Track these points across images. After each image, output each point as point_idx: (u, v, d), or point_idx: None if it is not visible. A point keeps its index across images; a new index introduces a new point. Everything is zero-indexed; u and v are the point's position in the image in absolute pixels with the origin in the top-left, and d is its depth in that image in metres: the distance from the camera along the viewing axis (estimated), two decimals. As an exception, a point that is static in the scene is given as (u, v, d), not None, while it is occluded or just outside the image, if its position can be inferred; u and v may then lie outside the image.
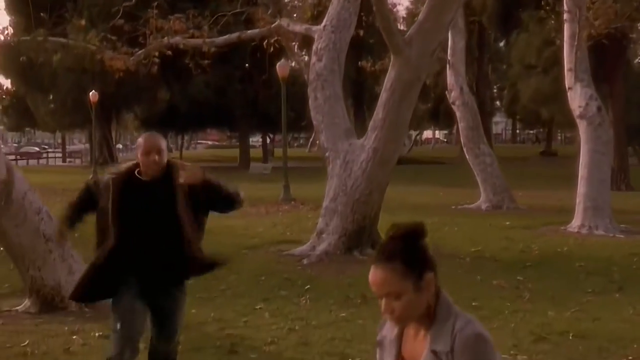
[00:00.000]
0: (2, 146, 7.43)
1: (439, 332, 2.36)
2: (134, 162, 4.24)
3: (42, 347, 6.01)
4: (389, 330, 2.55)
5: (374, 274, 2.38)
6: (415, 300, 2.36)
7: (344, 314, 7.05)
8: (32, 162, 48.69)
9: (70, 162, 53.82)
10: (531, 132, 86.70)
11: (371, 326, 6.54)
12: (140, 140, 4.31)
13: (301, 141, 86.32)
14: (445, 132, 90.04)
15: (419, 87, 10.43)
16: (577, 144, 14.95)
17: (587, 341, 6.07)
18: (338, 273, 9.25)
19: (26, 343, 6.08)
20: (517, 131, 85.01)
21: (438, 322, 2.37)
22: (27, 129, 58.92)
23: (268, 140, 55.60)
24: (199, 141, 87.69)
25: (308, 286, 8.35)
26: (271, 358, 5.77)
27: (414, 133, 67.13)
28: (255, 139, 64.08)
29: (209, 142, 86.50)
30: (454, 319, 2.36)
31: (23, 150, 61.85)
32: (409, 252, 2.36)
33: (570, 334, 6.25)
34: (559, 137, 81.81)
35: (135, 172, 4.17)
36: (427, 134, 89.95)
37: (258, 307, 7.36)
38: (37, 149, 64.46)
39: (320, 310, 7.23)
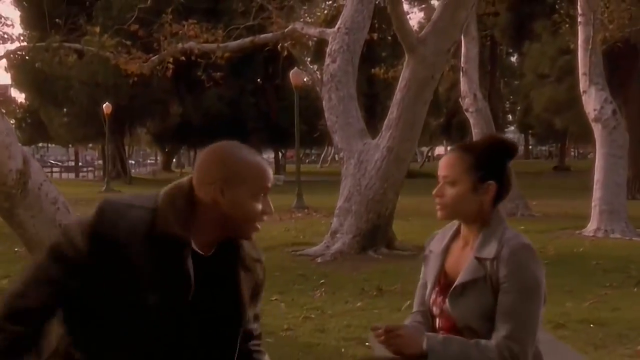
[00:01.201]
0: (18, 138, 7.39)
1: (487, 240, 2.39)
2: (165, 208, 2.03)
3: (57, 333, 6.00)
4: (435, 245, 2.58)
5: (446, 156, 2.50)
6: (466, 197, 2.42)
7: (359, 304, 7.01)
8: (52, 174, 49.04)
9: (83, 176, 54.16)
10: (543, 148, 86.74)
11: (388, 315, 6.53)
12: (233, 158, 2.07)
13: (313, 157, 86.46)
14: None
15: (434, 86, 10.44)
16: (591, 159, 14.87)
17: (606, 328, 6.01)
18: (352, 270, 9.21)
19: (42, 329, 6.07)
20: (530, 147, 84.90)
21: (487, 232, 2.40)
22: (40, 144, 59.29)
23: (280, 155, 55.74)
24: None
25: (323, 281, 8.32)
26: (288, 342, 5.73)
27: (425, 149, 67.16)
28: (266, 156, 64.33)
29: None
30: (502, 231, 2.39)
31: (67, 165, 63.29)
32: (486, 155, 2.44)
33: (590, 323, 6.19)
34: (572, 154, 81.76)
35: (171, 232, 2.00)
36: (439, 150, 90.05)
37: (273, 298, 7.32)
38: (80, 163, 65.56)
39: (335, 302, 7.20)
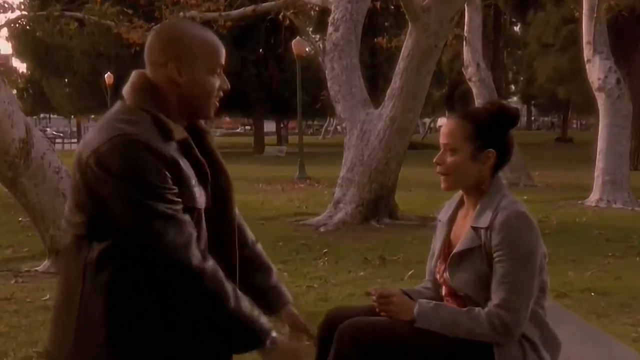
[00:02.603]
0: (20, 106, 7.37)
1: (483, 209, 2.39)
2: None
3: (62, 301, 6.03)
4: (443, 214, 2.60)
5: (446, 123, 2.49)
6: (465, 165, 2.41)
7: (362, 274, 7.04)
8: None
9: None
10: (546, 118, 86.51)
11: (390, 284, 6.54)
12: (184, 35, 2.05)
13: (316, 128, 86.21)
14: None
15: (437, 55, 10.37)
16: (594, 131, 14.71)
17: (608, 297, 6.03)
18: (355, 240, 9.24)
19: (47, 297, 6.10)
20: (533, 118, 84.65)
21: (485, 200, 2.41)
22: (42, 115, 59.16)
23: (282, 126, 55.66)
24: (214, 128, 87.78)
25: (325, 250, 8.35)
26: (291, 311, 5.75)
27: (428, 120, 66.91)
28: (267, 127, 64.14)
29: (223, 129, 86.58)
30: (500, 199, 2.38)
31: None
32: (486, 123, 2.43)
33: (592, 292, 6.21)
34: (575, 125, 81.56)
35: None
36: (442, 121, 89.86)
37: (277, 268, 7.33)
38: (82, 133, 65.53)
39: (338, 271, 7.22)
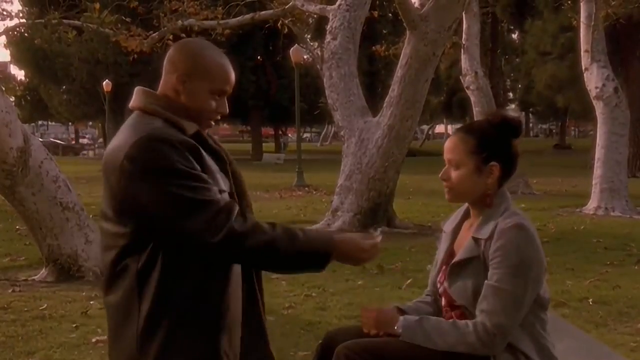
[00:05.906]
0: (19, 114, 7.37)
1: (486, 221, 2.40)
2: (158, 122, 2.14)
3: (60, 311, 6.02)
4: (448, 225, 2.61)
5: (449, 139, 2.48)
6: (470, 179, 2.41)
7: (360, 282, 7.02)
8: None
9: (84, 154, 54.14)
10: (544, 126, 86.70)
11: (388, 292, 6.54)
12: (201, 54, 2.22)
13: (313, 136, 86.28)
14: (458, 126, 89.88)
15: (435, 63, 10.38)
16: (592, 138, 14.77)
17: (606, 306, 6.02)
18: (353, 248, 9.20)
19: (44, 307, 6.09)
20: (531, 125, 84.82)
21: (489, 212, 2.41)
22: (40, 122, 59.18)
23: (281, 133, 55.72)
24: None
25: (324, 259, 8.32)
26: (289, 320, 5.74)
27: (426, 127, 67.07)
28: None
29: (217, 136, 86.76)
30: (503, 211, 2.39)
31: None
32: (488, 135, 2.42)
33: (590, 300, 6.20)
34: (573, 132, 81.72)
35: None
36: (440, 128, 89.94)
37: (275, 277, 7.29)
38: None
39: (336, 279, 7.19)
